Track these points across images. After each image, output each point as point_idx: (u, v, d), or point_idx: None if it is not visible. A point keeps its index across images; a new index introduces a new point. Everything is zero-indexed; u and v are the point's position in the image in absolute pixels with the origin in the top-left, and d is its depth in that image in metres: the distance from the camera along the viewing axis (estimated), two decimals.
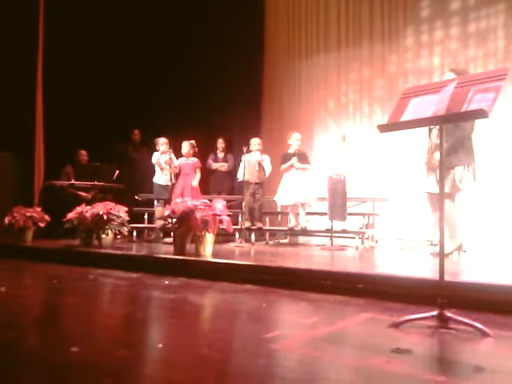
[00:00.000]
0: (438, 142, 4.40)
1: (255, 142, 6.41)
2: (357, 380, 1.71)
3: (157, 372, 1.85)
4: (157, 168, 6.64)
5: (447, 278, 2.46)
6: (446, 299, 2.32)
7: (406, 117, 2.60)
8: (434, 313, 2.33)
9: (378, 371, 1.77)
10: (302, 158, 6.21)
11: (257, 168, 6.30)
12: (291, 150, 6.25)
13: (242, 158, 6.42)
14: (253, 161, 6.31)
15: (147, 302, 3.33)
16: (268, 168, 6.44)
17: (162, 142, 6.56)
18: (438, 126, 4.12)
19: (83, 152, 7.71)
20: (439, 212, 2.58)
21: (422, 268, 4.06)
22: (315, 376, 1.81)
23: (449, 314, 2.31)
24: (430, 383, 1.69)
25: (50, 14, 7.55)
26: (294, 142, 6.23)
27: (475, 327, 2.24)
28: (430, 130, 4.61)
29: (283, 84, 8.50)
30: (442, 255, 2.47)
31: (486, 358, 2.00)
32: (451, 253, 4.37)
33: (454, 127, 4.28)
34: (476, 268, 4.12)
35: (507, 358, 1.99)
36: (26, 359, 1.95)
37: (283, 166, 6.23)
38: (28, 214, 6.09)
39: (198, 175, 6.41)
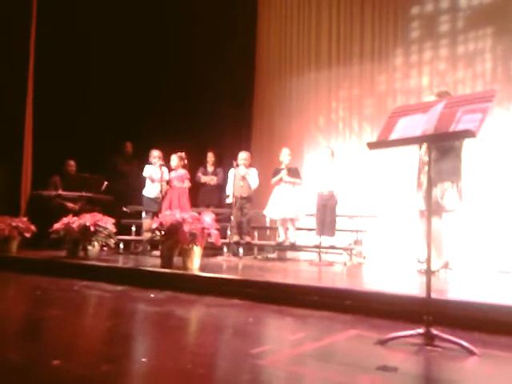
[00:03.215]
0: (425, 159, 4.47)
1: (241, 157, 6.45)
2: None
3: None
4: (147, 180, 6.63)
5: (434, 295, 2.47)
6: (433, 317, 2.33)
7: (394, 135, 2.63)
8: (421, 330, 2.33)
9: None
10: (293, 172, 6.25)
11: (241, 183, 6.32)
12: (283, 166, 6.29)
13: (229, 173, 6.46)
14: (238, 175, 6.34)
15: (132, 316, 3.28)
16: (254, 182, 6.45)
17: (155, 156, 6.56)
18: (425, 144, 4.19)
19: (71, 162, 7.66)
20: (426, 229, 2.59)
21: (409, 285, 4.06)
22: None
23: (435, 332, 2.31)
24: None
25: (41, 24, 7.55)
26: (284, 157, 6.27)
27: (461, 345, 2.24)
28: (420, 148, 4.66)
29: (274, 100, 8.56)
30: (428, 273, 2.48)
31: (472, 376, 2.00)
32: (438, 270, 4.39)
33: (442, 146, 4.34)
34: (462, 286, 4.13)
35: (493, 376, 1.99)
36: (7, 372, 1.91)
37: (273, 180, 6.27)
38: (13, 224, 6.01)
39: (186, 185, 6.42)
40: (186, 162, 6.54)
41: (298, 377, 1.95)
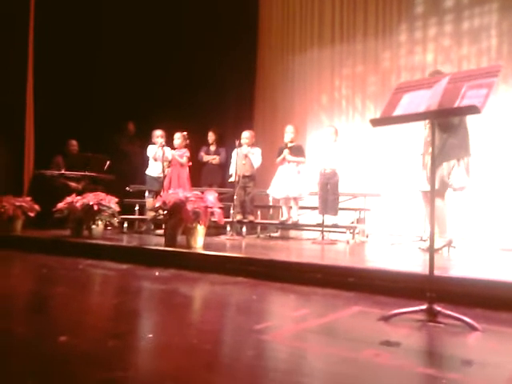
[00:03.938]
0: (428, 140, 4.44)
1: (244, 136, 6.43)
2: (346, 372, 1.72)
3: (147, 362, 1.84)
4: (150, 160, 6.64)
5: (437, 272, 2.48)
6: (435, 293, 2.34)
7: (398, 111, 2.61)
8: (423, 307, 2.34)
9: (367, 363, 1.78)
10: (296, 150, 6.20)
11: (244, 161, 6.31)
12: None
13: (233, 153, 6.45)
14: (241, 154, 6.33)
15: (137, 293, 3.32)
16: (257, 161, 6.44)
17: (158, 135, 6.55)
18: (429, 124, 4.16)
19: (73, 142, 7.65)
20: (430, 208, 2.59)
21: (412, 263, 4.08)
22: (304, 367, 1.82)
23: (438, 308, 2.32)
24: (419, 375, 1.70)
25: (42, 2, 7.44)
26: (286, 134, 6.24)
27: (464, 321, 2.26)
28: (425, 127, 4.62)
29: (276, 78, 8.48)
30: (431, 250, 2.48)
31: (474, 351, 2.02)
32: (441, 248, 4.40)
33: (444, 124, 4.30)
34: (465, 264, 4.15)
35: (495, 351, 2.01)
36: (14, 348, 1.93)
37: (278, 160, 6.25)
38: (17, 204, 6.03)
39: (184, 161, 6.39)
40: (188, 142, 6.53)
41: (301, 352, 1.97)
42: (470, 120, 4.46)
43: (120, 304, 2.88)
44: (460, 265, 4.04)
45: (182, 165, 6.37)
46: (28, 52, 7.42)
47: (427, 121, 4.38)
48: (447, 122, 4.27)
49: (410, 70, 7.18)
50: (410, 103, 2.60)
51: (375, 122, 2.74)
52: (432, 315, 2.32)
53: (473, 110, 2.28)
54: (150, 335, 2.18)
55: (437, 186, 4.23)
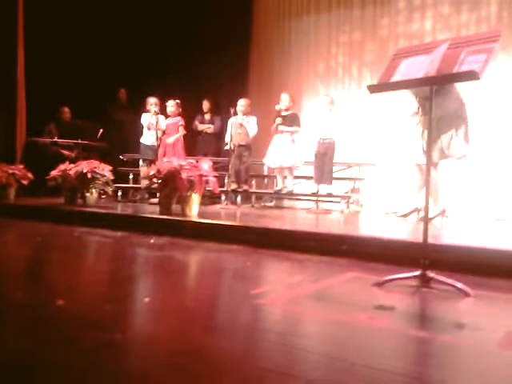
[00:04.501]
0: (421, 119, 4.41)
1: (240, 104, 6.33)
2: (340, 335, 1.74)
3: (144, 325, 1.86)
4: (145, 129, 6.56)
5: (430, 241, 2.49)
6: (429, 261, 2.36)
7: (396, 77, 2.57)
8: (417, 273, 2.37)
9: (361, 326, 1.80)
10: (291, 119, 6.13)
11: (239, 131, 6.24)
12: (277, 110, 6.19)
13: (228, 121, 6.38)
14: (236, 123, 6.26)
15: (132, 259, 3.32)
16: (252, 129, 6.36)
17: (151, 103, 6.46)
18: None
19: (66, 109, 7.56)
20: (425, 178, 2.58)
21: (406, 232, 4.10)
22: (299, 330, 1.84)
23: (431, 274, 2.35)
24: (412, 338, 1.73)
25: None
26: (281, 102, 6.15)
27: (456, 287, 2.29)
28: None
29: (272, 45, 8.33)
30: (426, 218, 2.49)
31: (466, 315, 2.05)
32: (434, 217, 4.42)
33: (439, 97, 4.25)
34: (458, 232, 4.18)
35: (486, 315, 2.04)
36: (12, 311, 1.94)
37: (272, 128, 6.18)
38: (10, 171, 6.00)
39: (180, 134, 6.33)
40: (180, 109, 6.45)
41: (296, 315, 2.00)
42: (470, 88, 4.41)
43: (116, 269, 2.89)
44: (453, 234, 4.07)
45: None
46: (18, 18, 7.24)
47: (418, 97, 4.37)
48: (439, 93, 4.22)
49: (408, 37, 7.06)
50: (409, 69, 2.56)
51: (373, 88, 2.70)
52: (425, 281, 2.35)
53: (472, 75, 2.25)
54: (147, 299, 2.19)
55: (436, 159, 4.24)
